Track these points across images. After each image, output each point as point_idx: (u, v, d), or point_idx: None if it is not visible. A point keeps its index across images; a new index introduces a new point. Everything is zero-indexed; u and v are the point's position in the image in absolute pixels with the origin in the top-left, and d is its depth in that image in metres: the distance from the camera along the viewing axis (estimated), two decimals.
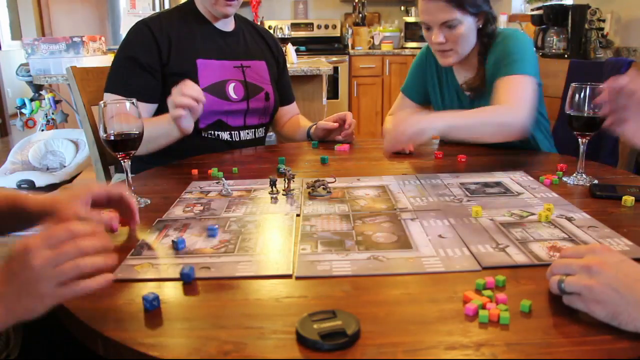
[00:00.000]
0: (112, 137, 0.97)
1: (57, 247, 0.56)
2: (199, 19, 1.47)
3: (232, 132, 1.48)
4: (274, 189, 1.05)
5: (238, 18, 1.58)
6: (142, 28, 1.41)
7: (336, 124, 1.48)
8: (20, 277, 0.55)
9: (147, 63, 1.38)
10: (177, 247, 0.78)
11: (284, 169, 1.06)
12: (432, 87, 1.55)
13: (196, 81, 1.39)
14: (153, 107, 1.40)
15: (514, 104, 1.25)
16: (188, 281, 0.69)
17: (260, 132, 1.57)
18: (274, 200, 1.01)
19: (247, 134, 1.52)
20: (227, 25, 1.52)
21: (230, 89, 1.46)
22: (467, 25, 1.34)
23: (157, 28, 1.40)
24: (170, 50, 1.40)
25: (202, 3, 1.46)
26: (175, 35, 1.41)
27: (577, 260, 0.60)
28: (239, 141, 1.50)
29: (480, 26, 1.37)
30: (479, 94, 1.42)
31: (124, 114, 0.97)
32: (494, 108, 1.26)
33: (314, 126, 1.55)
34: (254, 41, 1.59)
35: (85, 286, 0.57)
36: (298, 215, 0.92)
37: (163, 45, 1.39)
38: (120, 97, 1.30)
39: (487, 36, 1.38)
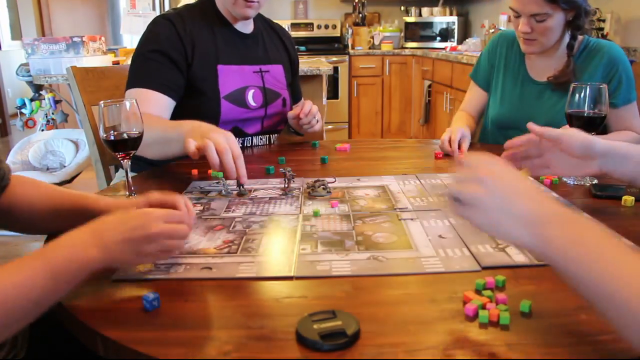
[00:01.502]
0: (112, 137, 0.97)
1: (173, 224, 0.68)
2: (220, 20, 1.43)
3: (246, 139, 1.46)
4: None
5: (257, 17, 1.52)
6: (166, 25, 1.35)
7: (296, 112, 1.42)
8: (135, 236, 0.65)
9: (174, 57, 1.32)
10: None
11: (284, 169, 1.06)
12: (496, 72, 1.56)
13: (216, 88, 1.36)
14: (173, 103, 1.34)
15: None
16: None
17: (274, 137, 1.56)
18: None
19: (261, 139, 1.51)
20: (247, 27, 1.48)
21: (250, 96, 1.42)
22: (557, 20, 1.34)
23: (181, 27, 1.35)
24: (193, 53, 1.35)
25: (222, 3, 1.41)
26: (198, 37, 1.37)
27: (472, 170, 0.62)
28: (250, 146, 1.49)
29: (571, 19, 1.36)
30: (562, 88, 1.40)
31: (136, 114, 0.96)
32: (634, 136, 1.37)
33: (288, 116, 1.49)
34: (272, 43, 1.55)
35: (165, 257, 0.72)
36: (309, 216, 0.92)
37: (188, 46, 1.34)
38: (147, 90, 1.28)
39: (577, 29, 1.38)
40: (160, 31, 1.35)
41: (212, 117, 1.35)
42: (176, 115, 1.34)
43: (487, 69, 1.59)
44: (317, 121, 1.45)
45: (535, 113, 1.43)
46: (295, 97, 1.66)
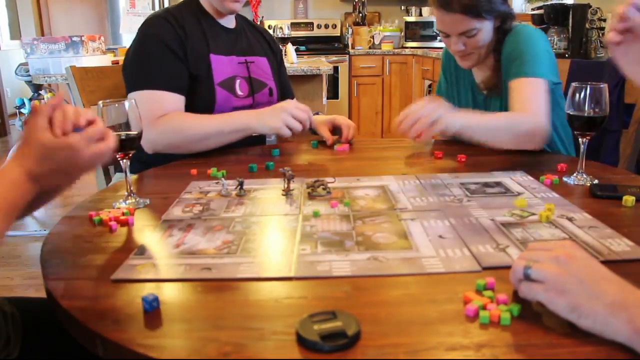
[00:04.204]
0: None
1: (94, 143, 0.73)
2: (204, 16, 1.48)
3: None
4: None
5: (237, 16, 1.59)
6: (162, 21, 1.39)
7: (330, 138, 1.47)
8: (61, 166, 0.71)
9: (177, 51, 1.36)
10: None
11: (283, 169, 1.06)
12: (450, 85, 1.58)
13: (210, 75, 1.41)
14: (184, 99, 1.39)
15: (531, 112, 1.22)
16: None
17: None
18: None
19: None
20: (230, 23, 1.53)
21: (237, 85, 1.47)
22: (486, 31, 1.34)
23: (174, 21, 1.39)
24: (187, 44, 1.40)
25: (207, 0, 1.47)
26: (190, 30, 1.42)
27: (545, 251, 0.60)
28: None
29: (499, 24, 1.36)
30: (495, 92, 1.41)
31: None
32: (513, 116, 1.24)
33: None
34: (254, 38, 1.61)
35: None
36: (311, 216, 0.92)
37: (183, 38, 1.39)
38: (156, 92, 1.32)
39: (503, 33, 1.37)
40: (157, 30, 1.38)
41: (208, 103, 1.41)
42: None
43: (445, 84, 1.61)
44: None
45: None
46: (286, 92, 1.70)
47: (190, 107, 1.38)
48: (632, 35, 0.83)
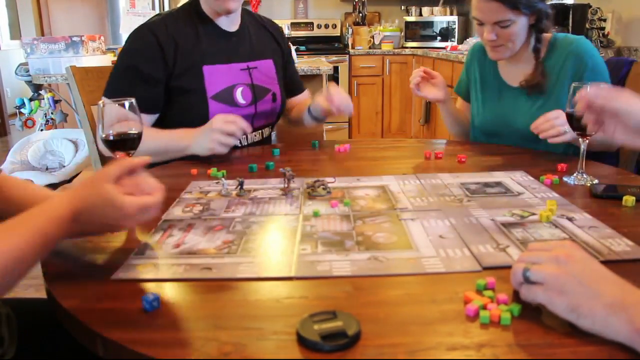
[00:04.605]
0: (110, 137, 0.97)
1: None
2: (204, 20, 1.43)
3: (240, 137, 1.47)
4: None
5: (243, 13, 1.52)
6: (146, 35, 1.36)
7: (328, 108, 1.40)
8: (105, 220, 0.70)
9: (148, 73, 1.34)
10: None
11: (283, 169, 1.06)
12: (474, 83, 1.58)
13: (203, 89, 1.38)
14: (153, 117, 1.39)
15: None
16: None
17: (266, 132, 1.58)
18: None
19: (255, 136, 1.52)
20: (232, 25, 1.47)
21: (238, 94, 1.44)
22: (520, 24, 1.35)
23: (163, 34, 1.36)
24: (176, 57, 1.36)
25: (205, 1, 1.42)
26: (182, 40, 1.38)
27: (544, 252, 0.60)
28: (246, 145, 1.50)
29: (533, 22, 1.37)
30: (537, 91, 1.41)
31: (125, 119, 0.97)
32: None
33: (312, 105, 1.48)
34: (259, 38, 1.55)
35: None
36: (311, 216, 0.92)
37: (169, 53, 1.35)
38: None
39: (540, 31, 1.39)
40: (137, 46, 1.37)
41: (201, 117, 1.36)
42: (167, 117, 1.39)
43: (466, 82, 1.63)
44: (347, 104, 1.40)
45: (514, 118, 1.45)
46: (295, 86, 1.66)
47: (183, 121, 1.33)
48: (607, 116, 0.85)
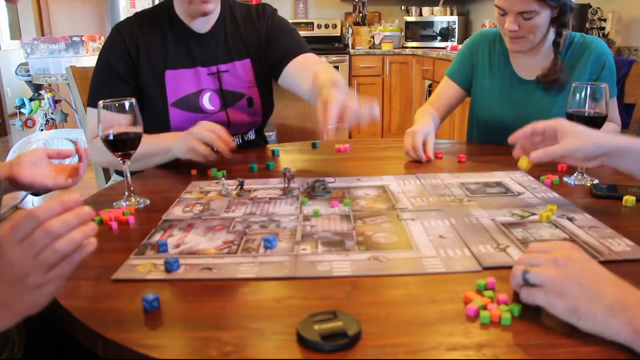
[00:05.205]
0: (110, 137, 0.97)
1: (27, 238, 0.53)
2: (173, 21, 1.36)
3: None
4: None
5: (226, 6, 1.42)
6: (114, 34, 1.34)
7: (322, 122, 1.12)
8: (7, 277, 0.53)
9: (122, 72, 1.32)
10: (171, 269, 0.71)
11: (284, 169, 1.06)
12: (480, 73, 1.52)
13: (164, 96, 1.33)
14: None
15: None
16: (171, 270, 0.70)
17: (250, 135, 1.51)
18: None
19: (234, 140, 1.38)
20: (205, 26, 1.38)
21: (205, 100, 1.36)
22: (543, 17, 1.33)
23: (128, 34, 1.33)
24: (139, 58, 1.33)
25: (179, 3, 1.35)
26: (144, 43, 1.33)
27: (543, 254, 0.60)
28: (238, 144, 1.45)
29: (556, 15, 1.35)
30: (555, 87, 1.40)
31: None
32: (614, 127, 1.40)
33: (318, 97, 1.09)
34: (236, 35, 1.42)
35: (72, 261, 0.55)
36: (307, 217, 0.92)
37: (132, 53, 1.32)
38: (102, 111, 1.22)
39: (562, 25, 1.37)
40: (107, 44, 1.36)
41: (162, 125, 1.32)
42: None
43: (467, 69, 1.55)
44: (370, 114, 1.06)
45: (526, 112, 1.41)
46: (292, 50, 1.41)
47: (146, 127, 1.08)
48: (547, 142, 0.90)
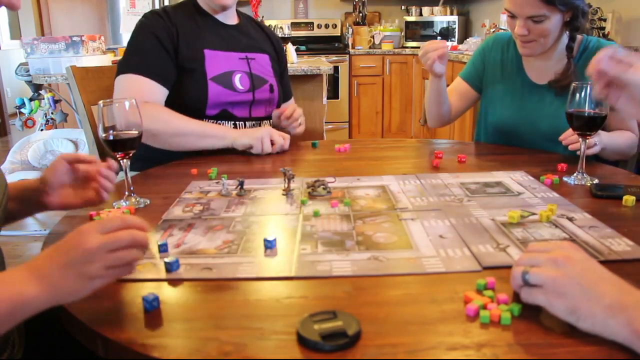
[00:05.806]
0: (111, 137, 0.97)
1: (111, 233, 0.59)
2: (202, 13, 1.50)
3: (237, 123, 1.49)
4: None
5: (241, 15, 1.60)
6: (155, 17, 1.43)
7: (279, 112, 1.53)
8: (72, 257, 0.57)
9: (167, 46, 1.39)
10: (171, 269, 0.71)
11: (284, 169, 1.06)
12: (492, 75, 1.52)
13: (203, 70, 1.42)
14: (166, 93, 1.40)
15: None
16: (171, 270, 0.71)
17: (265, 124, 1.59)
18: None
19: (253, 125, 1.53)
20: (230, 19, 1.54)
21: (237, 80, 1.47)
22: (554, 21, 1.30)
23: (168, 19, 1.42)
24: (179, 41, 1.41)
25: None
26: (182, 27, 1.43)
27: (543, 254, 0.60)
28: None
29: (568, 19, 1.33)
30: (566, 91, 1.36)
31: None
32: (631, 136, 1.36)
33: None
34: (257, 35, 1.61)
35: (128, 270, 0.61)
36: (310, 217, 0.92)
37: (174, 35, 1.41)
38: (140, 77, 1.34)
39: (575, 30, 1.34)
40: (149, 22, 1.42)
41: (200, 97, 1.41)
42: (167, 98, 1.41)
43: (480, 71, 1.55)
44: (300, 124, 1.55)
45: (537, 117, 1.41)
46: (286, 94, 1.69)
47: (183, 101, 1.39)
48: (615, 86, 0.84)
